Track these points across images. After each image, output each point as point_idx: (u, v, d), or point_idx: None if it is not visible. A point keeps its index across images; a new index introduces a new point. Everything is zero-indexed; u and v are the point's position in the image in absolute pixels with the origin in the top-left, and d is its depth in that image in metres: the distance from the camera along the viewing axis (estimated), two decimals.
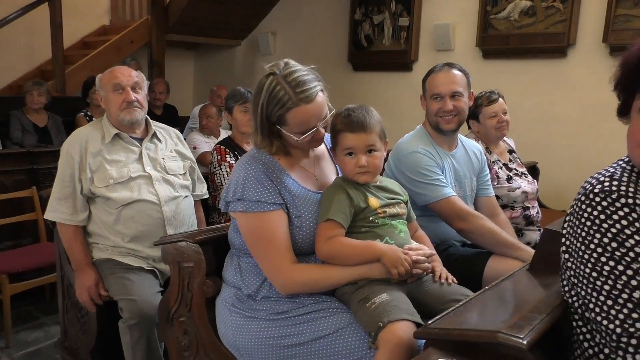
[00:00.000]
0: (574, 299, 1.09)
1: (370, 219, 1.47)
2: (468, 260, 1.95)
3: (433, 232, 2.06)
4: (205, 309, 1.63)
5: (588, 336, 1.08)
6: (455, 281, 1.52)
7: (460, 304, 1.20)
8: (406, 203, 1.60)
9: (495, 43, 4.27)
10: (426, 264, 1.45)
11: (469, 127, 2.68)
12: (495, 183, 2.41)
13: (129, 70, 2.18)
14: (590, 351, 1.08)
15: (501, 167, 2.51)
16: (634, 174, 1.08)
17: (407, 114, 4.48)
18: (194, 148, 3.99)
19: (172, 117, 4.79)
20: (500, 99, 2.56)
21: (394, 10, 4.84)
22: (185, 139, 4.28)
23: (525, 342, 0.96)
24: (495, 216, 2.17)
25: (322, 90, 1.47)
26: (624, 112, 1.13)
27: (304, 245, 1.47)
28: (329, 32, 5.30)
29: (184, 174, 2.26)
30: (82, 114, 4.24)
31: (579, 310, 1.09)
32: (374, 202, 1.48)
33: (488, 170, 2.28)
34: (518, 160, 2.70)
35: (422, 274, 1.46)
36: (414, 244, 1.51)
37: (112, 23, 6.11)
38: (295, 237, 1.46)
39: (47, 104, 4.16)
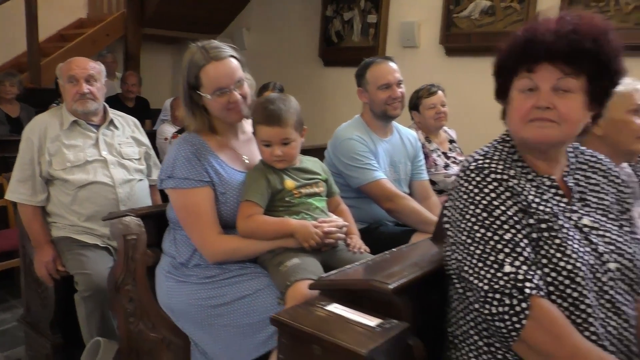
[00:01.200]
0: (453, 262, 1.23)
1: (287, 199, 1.64)
2: (395, 237, 2.12)
3: (367, 213, 2.24)
4: (146, 277, 1.79)
5: (461, 291, 1.23)
6: (368, 250, 1.69)
7: (357, 263, 1.37)
8: (326, 181, 1.76)
9: (458, 41, 4.44)
10: (338, 234, 1.62)
11: (412, 118, 2.86)
12: (433, 170, 2.59)
13: (86, 62, 2.33)
14: (462, 305, 1.22)
15: (440, 155, 2.69)
16: (504, 153, 1.22)
17: None
18: (165, 139, 4.13)
19: (144, 110, 4.92)
20: (440, 92, 2.74)
21: (363, 8, 5.00)
22: (157, 131, 4.43)
23: (391, 286, 1.12)
24: (427, 198, 2.35)
25: (236, 58, 1.66)
26: (502, 94, 1.23)
27: (230, 219, 1.63)
28: (301, 28, 5.45)
29: (139, 159, 2.40)
30: (55, 104, 4.35)
31: (456, 272, 1.22)
32: (289, 184, 1.64)
33: (422, 156, 2.45)
34: (458, 149, 2.88)
35: (335, 243, 1.63)
36: (330, 217, 1.68)
37: (89, 16, 6.21)
38: (221, 212, 1.63)
39: (19, 94, 4.27)
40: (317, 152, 2.31)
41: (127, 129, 2.46)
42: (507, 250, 1.08)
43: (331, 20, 5.22)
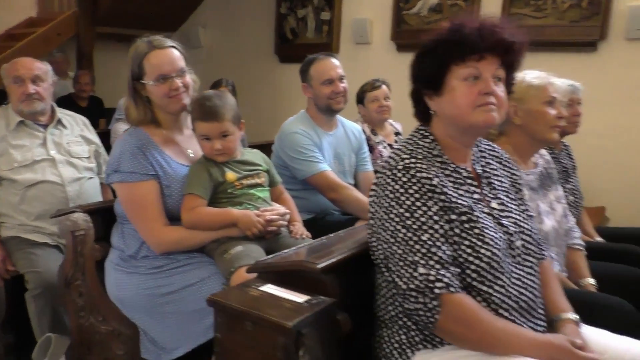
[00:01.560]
0: (380, 254, 1.30)
1: (229, 191, 1.72)
2: (341, 226, 2.20)
3: (314, 203, 2.34)
4: (95, 271, 1.84)
5: (390, 279, 1.29)
6: (310, 236, 1.78)
7: (294, 247, 1.46)
8: (267, 172, 1.84)
9: (408, 37, 4.58)
10: (280, 222, 1.71)
11: (359, 112, 2.97)
12: (379, 161, 2.70)
13: (31, 63, 2.34)
14: (390, 293, 1.31)
15: (385, 147, 2.81)
16: (425, 149, 1.30)
17: None
18: None
19: (98, 109, 4.87)
20: (384, 86, 2.85)
21: (316, 5, 5.09)
22: (111, 129, 4.41)
23: (319, 266, 1.22)
24: None
25: (178, 50, 1.74)
26: (438, 87, 1.27)
27: (175, 211, 1.70)
28: (257, 25, 5.50)
29: (89, 157, 2.43)
30: (5, 104, 4.27)
31: (384, 262, 1.29)
32: (231, 176, 1.72)
33: (367, 149, 2.57)
34: None
35: (277, 230, 1.71)
36: (273, 206, 1.76)
37: (39, 15, 6.08)
38: (166, 204, 1.70)
39: None
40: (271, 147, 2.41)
41: (76, 128, 2.48)
42: (423, 251, 1.17)
43: (285, 17, 5.29)
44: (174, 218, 1.70)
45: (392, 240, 1.22)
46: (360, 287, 1.39)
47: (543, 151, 1.91)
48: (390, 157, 1.31)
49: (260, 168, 1.81)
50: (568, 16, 3.82)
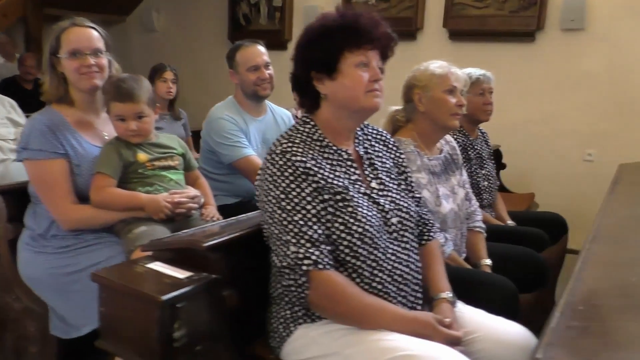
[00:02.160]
0: (265, 234, 1.36)
1: (140, 171, 1.76)
2: None
3: (240, 188, 2.40)
4: (8, 251, 1.85)
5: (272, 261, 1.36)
6: (221, 218, 1.83)
7: (196, 228, 1.51)
8: (182, 155, 1.88)
9: None
10: (190, 204, 1.75)
11: (294, 98, 3.01)
12: None
13: None
14: (275, 269, 1.37)
15: None
16: (304, 134, 1.36)
17: (283, 88, 4.78)
18: None
19: None
20: None
21: None
22: None
23: (205, 244, 1.27)
24: None
25: (98, 32, 1.78)
26: (332, 71, 1.32)
27: (85, 190, 1.73)
28: (210, 10, 5.47)
29: (14, 139, 2.43)
30: None
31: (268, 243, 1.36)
32: (142, 156, 1.76)
33: None
34: None
35: (187, 212, 1.76)
36: (185, 189, 1.81)
37: None
38: (76, 184, 1.73)
39: None
40: None
41: (2, 110, 2.48)
42: (295, 230, 1.24)
43: (238, 3, 5.28)
44: (84, 198, 1.74)
45: (270, 221, 1.29)
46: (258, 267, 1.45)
47: (449, 138, 2.00)
48: (273, 143, 1.37)
49: (174, 151, 1.85)
50: (507, 6, 3.93)
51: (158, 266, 1.29)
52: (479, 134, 2.56)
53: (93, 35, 1.77)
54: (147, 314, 1.16)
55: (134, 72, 4.29)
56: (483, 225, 1.99)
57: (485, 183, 2.44)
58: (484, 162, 2.48)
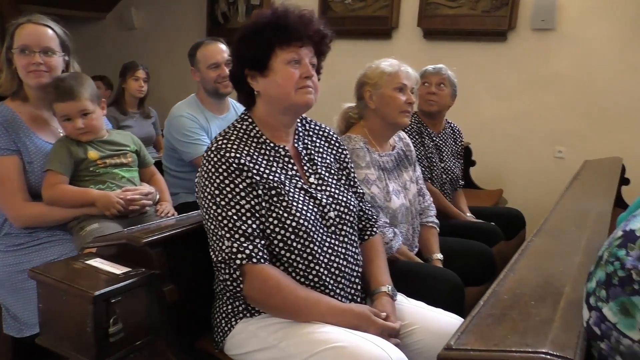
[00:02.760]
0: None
1: (91, 169, 1.77)
2: None
3: None
4: None
5: None
6: (176, 214, 1.85)
7: (147, 224, 1.52)
8: (136, 152, 1.89)
9: (334, 24, 4.46)
10: (143, 201, 1.77)
11: None
12: None
13: None
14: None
15: None
16: (241, 131, 1.38)
17: None
18: None
19: None
20: None
21: None
22: None
23: (144, 241, 1.29)
24: None
25: (54, 32, 1.77)
26: (263, 68, 1.34)
27: (38, 188, 1.74)
28: (189, 8, 5.47)
29: None
30: None
31: None
32: (93, 154, 1.77)
33: None
34: None
35: (141, 209, 1.78)
36: (139, 186, 1.82)
37: None
38: (29, 181, 1.74)
39: None
40: None
41: None
42: (230, 225, 1.26)
43: (217, 1, 5.29)
44: (37, 195, 1.75)
45: (206, 216, 1.31)
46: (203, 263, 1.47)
47: (403, 135, 2.03)
48: (211, 140, 1.39)
49: (127, 149, 1.86)
50: (480, 6, 3.97)
51: (97, 262, 1.31)
52: (448, 129, 2.59)
53: (46, 33, 1.77)
54: (81, 309, 1.18)
55: (113, 70, 4.30)
56: (436, 221, 2.02)
57: (444, 176, 2.48)
58: (444, 156, 2.51)
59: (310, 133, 1.51)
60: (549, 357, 0.85)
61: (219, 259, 1.27)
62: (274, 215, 1.30)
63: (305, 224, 1.31)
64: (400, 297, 1.47)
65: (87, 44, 6.29)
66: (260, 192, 1.30)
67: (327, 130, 1.55)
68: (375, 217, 1.56)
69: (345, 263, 1.37)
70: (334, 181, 1.46)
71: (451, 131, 2.64)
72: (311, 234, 1.32)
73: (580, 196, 2.10)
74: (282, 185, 1.33)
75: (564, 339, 0.90)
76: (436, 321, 1.38)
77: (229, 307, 1.37)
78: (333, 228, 1.38)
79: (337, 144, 1.55)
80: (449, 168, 2.51)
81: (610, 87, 3.47)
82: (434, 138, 2.48)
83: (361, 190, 1.55)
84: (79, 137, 1.76)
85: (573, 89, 3.65)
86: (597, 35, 3.53)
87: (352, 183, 1.53)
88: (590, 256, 1.12)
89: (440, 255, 1.91)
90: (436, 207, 2.08)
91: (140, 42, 5.83)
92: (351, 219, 1.43)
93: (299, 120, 1.49)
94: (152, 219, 1.81)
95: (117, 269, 1.27)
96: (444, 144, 2.53)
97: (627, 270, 0.86)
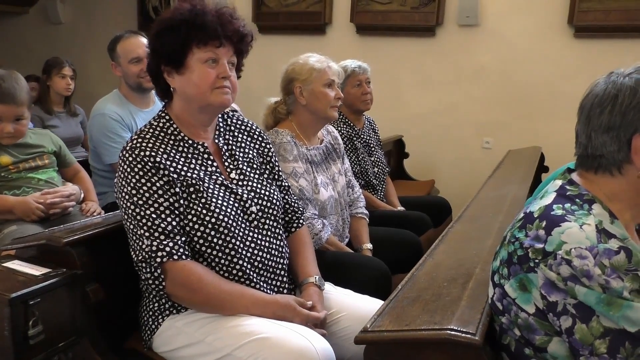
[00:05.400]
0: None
1: (3, 174, 1.71)
2: None
3: None
4: None
5: None
6: (103, 213, 1.81)
7: (71, 223, 1.48)
8: (55, 152, 1.83)
9: (268, 19, 4.65)
10: (65, 204, 1.72)
11: None
12: None
13: None
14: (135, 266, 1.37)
15: None
16: (158, 129, 1.35)
17: None
18: None
19: None
20: None
21: None
22: None
23: (65, 240, 1.27)
24: None
25: None
26: (179, 65, 1.31)
27: None
28: (119, 2, 5.31)
29: None
30: None
31: None
32: (5, 159, 1.72)
33: None
34: None
35: (62, 211, 1.73)
36: (58, 187, 1.77)
37: None
38: None
39: None
40: None
41: None
42: (148, 224, 1.25)
43: None
44: None
45: (125, 216, 1.30)
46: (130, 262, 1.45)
47: (331, 128, 2.08)
48: (126, 140, 1.37)
49: (44, 150, 1.80)
50: (409, 2, 4.08)
51: (15, 264, 1.27)
52: (366, 122, 2.66)
53: None
54: None
55: (37, 67, 4.09)
56: (365, 212, 2.09)
57: (375, 169, 2.55)
58: (372, 149, 2.59)
59: (232, 128, 1.51)
60: (453, 332, 0.91)
61: (139, 258, 1.26)
62: (193, 212, 1.30)
63: (226, 219, 1.32)
64: (328, 286, 1.51)
65: (8, 40, 5.97)
66: (178, 189, 1.29)
67: (249, 125, 1.56)
68: (301, 209, 1.59)
69: (268, 256, 1.39)
70: (256, 176, 1.46)
71: (369, 124, 2.72)
72: (232, 229, 1.32)
73: (500, 184, 2.22)
74: (200, 182, 1.33)
75: (468, 316, 0.97)
76: (362, 308, 1.42)
77: (156, 304, 1.36)
78: (255, 222, 1.39)
79: (260, 138, 1.55)
80: (377, 159, 2.59)
81: (530, 80, 3.68)
82: (361, 135, 2.55)
83: (286, 184, 1.57)
84: (1, 141, 1.69)
85: (497, 81, 3.84)
86: (517, 31, 3.73)
87: (276, 177, 1.54)
88: (501, 239, 1.20)
89: (369, 245, 1.97)
90: (371, 208, 2.12)
91: (68, 37, 5.59)
92: (275, 212, 1.44)
93: (220, 115, 1.49)
94: (77, 219, 1.76)
95: (37, 271, 1.24)
96: (369, 138, 2.60)
97: (525, 249, 0.93)
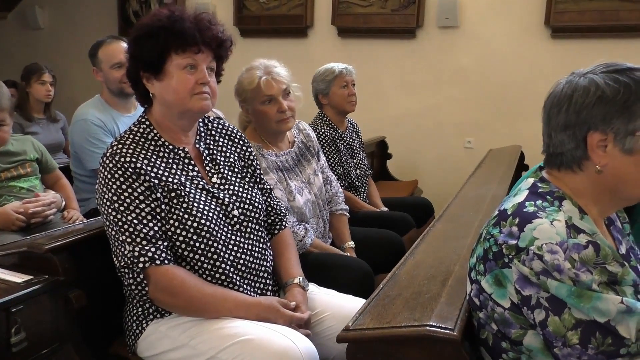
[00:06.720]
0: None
1: None
2: None
3: None
4: None
5: None
6: (84, 221, 1.80)
7: (53, 230, 1.48)
8: (37, 160, 1.82)
9: (249, 23, 4.65)
10: (46, 213, 1.71)
11: None
12: None
13: None
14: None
15: None
16: (138, 134, 1.36)
17: None
18: None
19: None
20: None
21: None
22: None
23: (46, 247, 1.26)
24: None
25: None
26: (158, 71, 1.32)
27: None
28: (99, 6, 5.27)
29: None
30: None
31: None
32: None
33: None
34: None
35: (43, 220, 1.72)
36: (40, 196, 1.76)
37: None
38: None
39: None
40: None
41: None
42: (130, 230, 1.26)
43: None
44: None
45: (107, 223, 1.30)
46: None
47: (304, 126, 2.05)
48: (107, 146, 1.36)
49: (26, 157, 1.79)
50: (389, 5, 4.12)
51: None
52: (349, 125, 2.69)
53: None
54: None
55: (16, 74, 4.04)
56: (345, 207, 2.09)
57: (358, 171, 2.58)
58: (355, 151, 2.61)
59: (213, 132, 1.52)
60: (432, 328, 0.93)
61: (122, 264, 1.26)
62: (175, 217, 1.31)
63: (208, 223, 1.33)
64: (312, 287, 1.52)
65: None
66: (159, 194, 1.30)
67: (230, 129, 1.56)
68: (284, 211, 1.60)
69: (252, 259, 1.40)
70: (238, 179, 1.47)
71: (352, 126, 2.74)
72: (214, 233, 1.33)
73: (480, 183, 2.26)
74: (182, 187, 1.33)
75: (447, 312, 0.99)
76: (346, 307, 1.43)
77: (140, 309, 1.36)
78: (238, 226, 1.40)
79: (241, 142, 1.56)
80: (360, 161, 2.62)
81: (509, 80, 3.74)
82: (344, 137, 2.57)
83: (268, 186, 1.58)
84: None
85: (477, 82, 3.89)
86: (495, 32, 3.79)
87: (257, 180, 1.55)
88: None
89: (352, 243, 1.98)
90: (354, 209, 2.10)
91: (47, 42, 5.54)
92: (257, 215, 1.45)
93: (200, 120, 1.49)
94: (58, 226, 1.75)
95: (18, 278, 1.24)
96: (352, 140, 2.63)
97: (499, 246, 0.96)
